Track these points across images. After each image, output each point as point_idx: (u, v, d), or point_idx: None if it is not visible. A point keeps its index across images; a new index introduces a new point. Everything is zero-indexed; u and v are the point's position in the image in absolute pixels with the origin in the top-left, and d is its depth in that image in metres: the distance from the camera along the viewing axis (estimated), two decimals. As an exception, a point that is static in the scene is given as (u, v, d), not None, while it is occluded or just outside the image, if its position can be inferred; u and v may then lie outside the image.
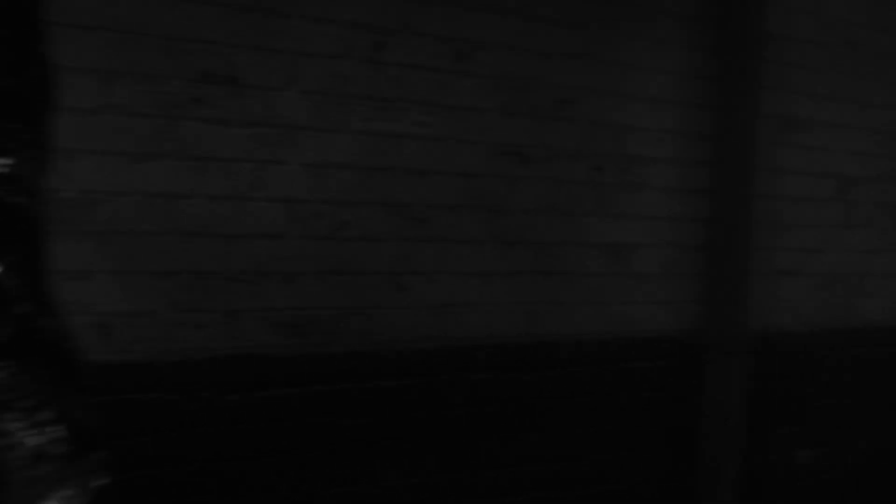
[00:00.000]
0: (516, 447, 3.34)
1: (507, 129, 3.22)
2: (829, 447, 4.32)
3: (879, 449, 4.56)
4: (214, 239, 2.82)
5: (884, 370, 4.53)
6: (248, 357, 2.87)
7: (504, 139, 3.22)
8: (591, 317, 3.45)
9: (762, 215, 3.94)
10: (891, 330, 4.55)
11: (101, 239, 2.65)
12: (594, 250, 3.44)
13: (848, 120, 4.26)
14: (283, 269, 2.90)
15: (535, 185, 3.29)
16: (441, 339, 3.14)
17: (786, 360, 4.11)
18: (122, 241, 2.69)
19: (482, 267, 3.20)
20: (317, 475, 3.01)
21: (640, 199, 3.55)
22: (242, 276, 2.87)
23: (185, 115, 2.75)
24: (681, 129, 3.66)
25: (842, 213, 4.27)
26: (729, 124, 3.68)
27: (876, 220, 4.42)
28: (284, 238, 2.90)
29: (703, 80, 3.72)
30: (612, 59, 3.45)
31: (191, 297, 2.79)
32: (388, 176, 3.03)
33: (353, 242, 2.99)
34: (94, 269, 2.65)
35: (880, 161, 4.43)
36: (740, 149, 3.67)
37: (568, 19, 3.34)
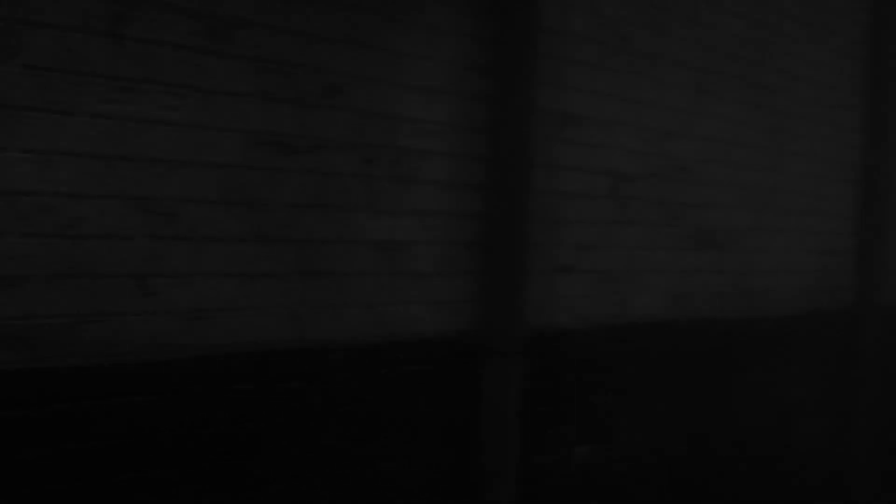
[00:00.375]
0: (286, 463, 3.32)
1: (269, 116, 3.19)
2: (607, 443, 4.68)
3: (655, 444, 5.00)
4: (-86, 237, 2.57)
5: (657, 365, 4.97)
6: (-41, 375, 2.64)
7: (265, 127, 3.18)
8: (362, 319, 3.50)
9: (538, 211, 4.19)
10: (664, 324, 5.00)
11: None
12: (365, 248, 3.49)
13: (622, 117, 4.63)
14: (3, 273, 2.70)
15: (300, 178, 3.29)
16: (195, 348, 3.06)
17: (563, 357, 4.40)
18: None
19: (242, 267, 3.15)
20: (48, 507, 2.83)
21: (413, 194, 3.65)
22: (-49, 280, 2.64)
23: None
24: (456, 122, 3.80)
25: (616, 210, 4.63)
26: (505, 118, 3.88)
27: (648, 217, 4.83)
28: (4, 236, 2.70)
29: (479, 71, 3.89)
30: (384, 46, 3.52)
31: None
32: (131, 166, 2.90)
33: (89, 241, 2.84)
34: None
35: (652, 158, 4.84)
36: (516, 143, 3.88)
37: (337, 1, 3.37)
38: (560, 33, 4.23)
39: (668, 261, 5.03)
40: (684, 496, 5.23)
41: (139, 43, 2.90)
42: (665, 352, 5.03)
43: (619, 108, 4.59)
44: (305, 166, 3.30)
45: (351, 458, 3.50)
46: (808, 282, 6.33)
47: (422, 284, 3.70)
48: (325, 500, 3.45)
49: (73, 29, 2.78)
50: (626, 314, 4.77)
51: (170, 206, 2.98)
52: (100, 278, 2.86)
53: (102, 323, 2.87)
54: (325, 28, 3.33)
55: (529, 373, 4.18)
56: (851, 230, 6.79)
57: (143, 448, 2.98)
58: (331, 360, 3.40)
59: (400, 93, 3.58)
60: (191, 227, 3.02)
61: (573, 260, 4.40)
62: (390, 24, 3.53)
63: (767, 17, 5.70)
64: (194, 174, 3.02)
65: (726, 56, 5.38)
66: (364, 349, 3.50)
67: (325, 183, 3.35)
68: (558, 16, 4.22)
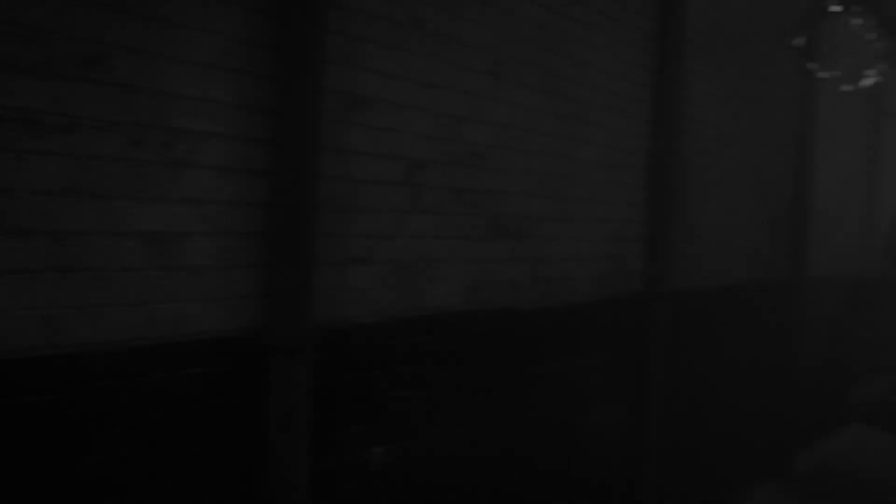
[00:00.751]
0: (39, 488, 3.04)
1: (13, 89, 2.86)
2: (405, 442, 4.66)
3: (457, 441, 5.04)
4: None
5: (456, 357, 5.01)
6: None
7: (8, 102, 2.86)
8: (130, 320, 3.24)
9: (328, 199, 4.07)
10: (462, 315, 5.05)
11: None
12: (131, 241, 3.23)
13: (416, 101, 4.60)
14: None
15: (51, 161, 2.98)
16: (-78, 359, 2.72)
17: (358, 353, 4.32)
18: None
19: (-21, 264, 2.83)
20: None
21: (187, 180, 3.42)
22: None
23: None
24: (238, 102, 3.60)
25: (411, 198, 4.60)
26: (291, 98, 3.73)
27: (444, 205, 4.85)
28: None
29: (264, 47, 3.71)
30: (153, 14, 3.27)
31: None
32: None
33: None
34: None
35: (447, 145, 4.86)
36: (303, 126, 3.74)
37: (96, -39, 3.09)
38: (350, 9, 4.13)
39: (465, 250, 5.08)
40: (486, 495, 5.33)
41: None
42: (464, 344, 5.09)
43: (414, 91, 4.57)
44: (58, 147, 3.00)
45: (119, 476, 3.25)
46: (602, 269, 6.63)
47: (199, 280, 3.49)
48: (88, 525, 3.18)
49: None
50: (423, 306, 4.77)
51: None
52: None
53: None
54: (82, -9, 3.05)
55: (321, 371, 4.07)
56: (642, 218, 7.19)
57: None
58: (92, 367, 3.13)
59: (173, 68, 3.34)
60: (-86, 217, 2.67)
61: (366, 250, 4.33)
62: (159, -10, 3.29)
63: (562, 4, 5.89)
64: (-82, 155, 2.67)
65: (522, 42, 5.49)
66: (132, 353, 3.25)
67: (83, 167, 3.07)
68: (348, -9, 4.12)
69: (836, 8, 10.51)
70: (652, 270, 7.20)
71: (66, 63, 3.01)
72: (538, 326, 5.80)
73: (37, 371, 2.98)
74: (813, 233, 11.25)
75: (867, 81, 11.83)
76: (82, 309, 3.09)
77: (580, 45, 6.17)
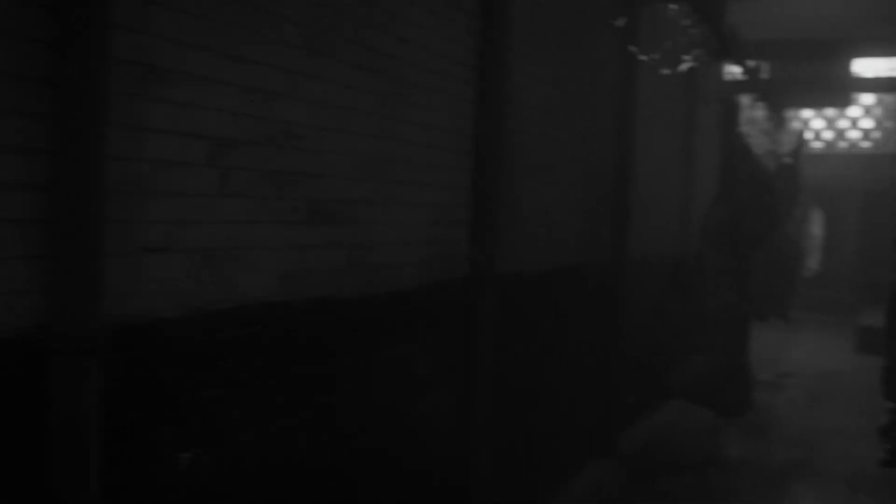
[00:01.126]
0: None
1: None
2: (217, 445, 4.38)
3: (276, 440, 4.79)
4: None
5: (272, 350, 4.76)
6: None
7: None
8: None
9: (120, 182, 3.71)
10: (277, 305, 4.80)
11: None
12: None
13: (221, 74, 4.28)
14: None
15: None
16: None
17: (160, 350, 3.98)
18: None
19: None
20: None
21: (-58, 159, 3.02)
22: None
23: None
24: (5, 69, 3.18)
25: (217, 181, 4.29)
26: (71, 67, 3.33)
27: (255, 189, 4.57)
28: None
29: (36, 6, 3.30)
30: None
31: None
32: None
33: None
34: None
35: (258, 123, 4.57)
36: (87, 98, 3.36)
37: None
38: (143, -29, 3.79)
39: (281, 236, 4.84)
40: (311, 497, 5.12)
41: None
42: (280, 336, 4.85)
43: (219, 63, 4.25)
44: None
45: None
46: (427, 254, 6.54)
47: (-39, 274, 3.09)
48: None
49: None
50: (236, 296, 4.49)
51: None
52: None
53: None
54: None
55: (116, 372, 3.72)
56: (468, 201, 7.15)
57: None
58: None
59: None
60: None
61: (168, 238, 4.01)
62: None
63: (381, -24, 5.71)
64: None
65: (341, 16, 5.28)
66: None
67: None
68: (142, -49, 3.77)
69: (655, -9, 10.92)
70: (478, 254, 7.18)
71: None
72: (361, 315, 5.63)
73: None
74: (634, 215, 11.66)
75: (684, 66, 12.38)
76: None
77: (403, 22, 6.02)
